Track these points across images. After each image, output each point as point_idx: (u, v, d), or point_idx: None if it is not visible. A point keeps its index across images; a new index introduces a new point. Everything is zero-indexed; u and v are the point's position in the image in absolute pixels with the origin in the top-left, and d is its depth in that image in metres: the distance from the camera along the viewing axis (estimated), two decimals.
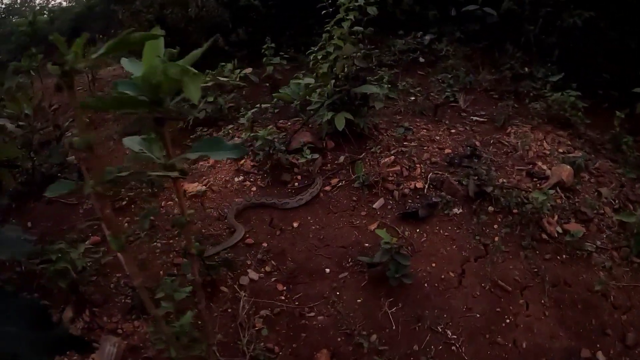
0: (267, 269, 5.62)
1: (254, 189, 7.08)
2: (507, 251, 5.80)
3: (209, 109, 8.79)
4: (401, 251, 5.17)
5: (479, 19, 10.79)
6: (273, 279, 5.49)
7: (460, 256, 5.78)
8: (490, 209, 6.37)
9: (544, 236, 6.02)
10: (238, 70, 9.23)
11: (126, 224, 6.32)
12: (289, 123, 8.48)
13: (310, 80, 7.74)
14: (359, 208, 6.57)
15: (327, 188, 6.95)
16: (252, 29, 11.91)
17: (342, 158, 7.32)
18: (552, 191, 6.33)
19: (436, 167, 7.15)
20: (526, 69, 10.15)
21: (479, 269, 5.59)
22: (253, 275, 5.46)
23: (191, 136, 8.72)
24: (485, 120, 8.92)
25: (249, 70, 9.16)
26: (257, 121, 8.53)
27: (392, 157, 7.19)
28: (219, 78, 9.07)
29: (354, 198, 6.69)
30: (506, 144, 7.98)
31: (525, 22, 10.50)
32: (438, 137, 8.00)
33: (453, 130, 8.34)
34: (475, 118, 9.03)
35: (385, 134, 7.88)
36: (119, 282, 5.28)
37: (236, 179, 7.31)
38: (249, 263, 5.64)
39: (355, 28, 7.18)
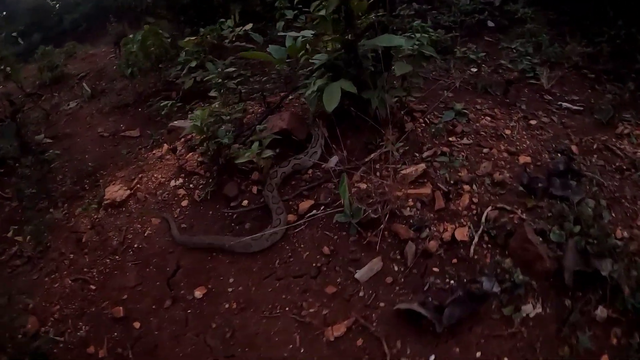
0: None
1: (184, 203, 3.78)
2: None
3: (199, 77, 5.58)
4: None
5: None
6: None
7: None
8: (602, 312, 2.62)
9: None
10: (239, 28, 5.94)
11: None
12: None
13: (308, 33, 4.06)
14: (327, 275, 3.03)
15: (290, 217, 3.45)
16: None
17: (333, 160, 3.70)
18: None
19: (501, 193, 3.38)
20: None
21: None
22: None
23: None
24: (581, 109, 4.93)
25: (249, 26, 5.83)
26: (252, 95, 5.34)
27: (422, 167, 3.47)
28: (208, 38, 5.84)
29: (326, 249, 3.16)
30: (619, 153, 4.04)
31: None
32: (508, 132, 4.12)
33: (533, 122, 4.43)
34: (565, 105, 5.14)
35: (420, 122, 4.14)
36: None
37: (172, 183, 4.01)
38: None
39: None
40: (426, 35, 3.96)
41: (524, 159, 3.75)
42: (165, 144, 4.71)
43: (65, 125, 6.30)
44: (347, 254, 3.06)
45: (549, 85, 5.43)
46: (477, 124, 4.15)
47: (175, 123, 4.85)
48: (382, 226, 3.04)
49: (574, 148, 3.96)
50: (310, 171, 3.74)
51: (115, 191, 4.06)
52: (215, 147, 3.63)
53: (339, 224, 3.15)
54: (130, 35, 6.31)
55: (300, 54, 3.77)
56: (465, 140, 3.84)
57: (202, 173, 3.92)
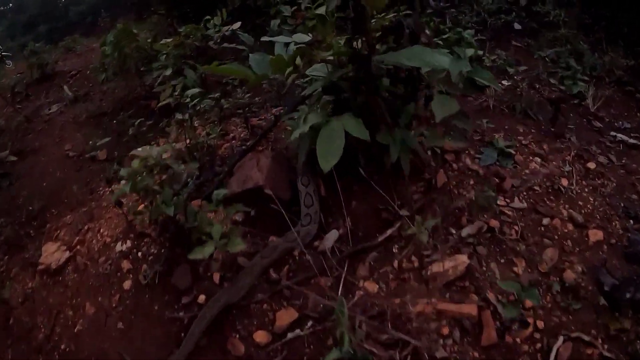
0: None
1: (127, 284, 2.35)
2: None
3: (179, 86, 3.90)
4: None
5: None
6: None
7: None
8: None
9: None
10: (227, 27, 4.49)
11: None
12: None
13: (304, 38, 2.44)
14: None
15: (261, 336, 1.97)
16: None
17: (331, 237, 2.27)
18: None
19: (575, 309, 1.93)
20: None
21: None
22: None
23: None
24: (638, 144, 3.49)
25: (237, 25, 4.36)
26: (238, 110, 3.89)
27: (464, 260, 2.00)
28: (190, 39, 4.35)
29: None
30: None
31: None
32: (565, 183, 2.63)
33: (591, 165, 2.92)
34: (620, 137, 3.60)
35: (454, 169, 2.63)
36: None
37: (118, 247, 2.58)
38: None
39: None
40: (472, 49, 2.49)
41: (594, 234, 2.28)
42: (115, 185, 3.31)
43: (36, 137, 4.89)
44: None
45: (595, 107, 3.97)
46: (527, 171, 2.66)
47: (138, 151, 3.44)
48: None
49: None
50: (296, 252, 2.32)
51: (52, 253, 2.70)
52: (159, 214, 2.28)
53: None
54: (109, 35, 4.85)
55: (288, 71, 2.32)
56: (517, 203, 2.35)
57: (153, 236, 2.57)
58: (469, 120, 2.08)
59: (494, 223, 2.21)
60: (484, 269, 2.01)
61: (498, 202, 2.31)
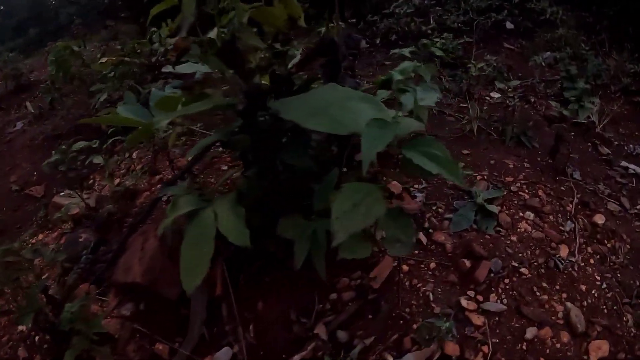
0: None
1: None
2: None
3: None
4: None
5: None
6: None
7: None
8: None
9: None
10: (172, 39, 3.55)
11: None
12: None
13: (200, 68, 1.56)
14: None
15: None
16: None
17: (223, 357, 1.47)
18: None
19: None
20: None
21: None
22: None
23: None
24: None
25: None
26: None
27: None
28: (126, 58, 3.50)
29: None
30: None
31: None
32: (564, 254, 1.77)
33: (598, 219, 2.01)
34: (632, 169, 2.63)
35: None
36: None
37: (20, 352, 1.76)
38: None
39: None
40: (433, 94, 1.60)
41: (597, 349, 1.46)
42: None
43: None
44: None
45: (600, 126, 3.08)
46: (514, 239, 1.83)
47: (60, 198, 2.70)
48: None
49: None
50: None
51: None
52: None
53: None
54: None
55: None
56: (492, 304, 1.52)
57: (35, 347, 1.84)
58: (411, 228, 1.22)
59: (452, 349, 1.41)
60: None
61: (465, 305, 1.51)
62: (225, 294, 1.66)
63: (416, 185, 2.10)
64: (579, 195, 2.26)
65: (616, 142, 2.95)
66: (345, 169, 1.36)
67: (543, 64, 3.76)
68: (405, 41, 4.07)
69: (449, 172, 1.05)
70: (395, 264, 1.59)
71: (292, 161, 1.35)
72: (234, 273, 1.71)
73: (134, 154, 3.31)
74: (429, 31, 4.15)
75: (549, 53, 3.85)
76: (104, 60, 3.34)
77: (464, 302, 1.52)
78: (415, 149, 1.09)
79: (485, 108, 3.11)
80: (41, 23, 9.35)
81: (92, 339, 1.57)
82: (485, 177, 2.27)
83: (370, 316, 1.48)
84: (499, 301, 1.55)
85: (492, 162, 2.45)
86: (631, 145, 2.94)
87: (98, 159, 2.79)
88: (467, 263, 1.66)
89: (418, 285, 1.59)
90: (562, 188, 2.32)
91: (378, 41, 4.32)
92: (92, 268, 1.93)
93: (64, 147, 3.56)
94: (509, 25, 4.43)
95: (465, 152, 2.52)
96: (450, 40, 3.87)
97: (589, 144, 2.88)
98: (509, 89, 3.12)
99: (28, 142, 4.38)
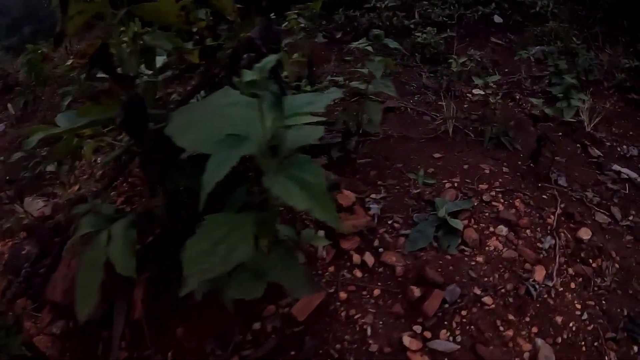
0: None
1: None
2: None
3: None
4: None
5: None
6: None
7: None
8: None
9: None
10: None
11: None
12: None
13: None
14: None
15: None
16: None
17: None
18: None
19: None
20: None
21: None
22: None
23: None
24: None
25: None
26: None
27: None
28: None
29: None
30: None
31: None
32: (539, 277, 1.45)
33: (583, 234, 1.68)
34: (625, 174, 2.31)
35: (354, 264, 1.48)
36: None
37: None
38: None
39: None
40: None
41: None
42: None
43: None
44: None
45: (591, 126, 2.73)
46: (480, 259, 1.53)
47: (27, 204, 2.44)
48: None
49: None
50: None
51: None
52: None
53: None
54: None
55: None
56: (442, 343, 1.21)
57: None
58: (302, 275, 0.91)
59: None
60: None
61: (407, 343, 1.21)
62: (148, 317, 1.42)
63: (373, 195, 1.80)
64: (562, 205, 1.93)
65: (608, 143, 2.60)
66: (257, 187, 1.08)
67: (531, 58, 3.41)
68: (386, 37, 3.74)
69: (321, 209, 0.74)
70: (332, 291, 1.30)
71: (186, 182, 1.08)
72: (160, 292, 1.46)
73: (99, 158, 3.05)
74: (412, 25, 3.81)
75: (537, 47, 3.49)
76: (69, 62, 3.09)
77: (406, 340, 1.22)
78: (283, 172, 0.79)
79: (465, 106, 2.79)
80: (36, 22, 9.13)
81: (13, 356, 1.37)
82: (456, 184, 1.95)
83: (292, 352, 1.20)
84: (451, 338, 1.25)
85: (465, 166, 2.13)
86: (625, 146, 2.59)
87: (52, 167, 2.59)
88: (417, 291, 1.36)
89: (356, 317, 1.29)
90: (544, 197, 1.99)
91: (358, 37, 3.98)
92: (31, 282, 1.71)
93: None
94: (497, 19, 4.07)
95: (437, 155, 2.21)
96: (432, 34, 3.54)
97: (578, 145, 2.54)
98: (492, 85, 2.79)
99: (7, 144, 4.16)
